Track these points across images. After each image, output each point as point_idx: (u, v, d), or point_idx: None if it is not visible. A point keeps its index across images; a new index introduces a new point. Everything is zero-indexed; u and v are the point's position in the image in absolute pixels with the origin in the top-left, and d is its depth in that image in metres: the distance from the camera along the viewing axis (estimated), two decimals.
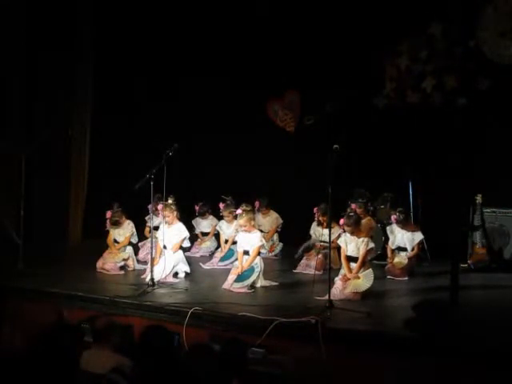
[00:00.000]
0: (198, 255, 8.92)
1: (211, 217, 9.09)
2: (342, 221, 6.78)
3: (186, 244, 8.11)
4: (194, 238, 8.96)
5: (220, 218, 8.68)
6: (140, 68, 10.06)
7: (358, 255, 6.65)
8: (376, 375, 5.06)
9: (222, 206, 8.56)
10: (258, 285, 6.93)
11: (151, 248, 7.05)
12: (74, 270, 7.73)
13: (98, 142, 10.31)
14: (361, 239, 6.70)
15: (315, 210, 8.11)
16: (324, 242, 7.62)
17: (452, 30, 8.51)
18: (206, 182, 9.73)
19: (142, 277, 7.26)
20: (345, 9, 8.87)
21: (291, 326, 5.45)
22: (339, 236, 7.15)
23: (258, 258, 6.94)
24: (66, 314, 6.35)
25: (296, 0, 9.22)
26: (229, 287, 6.79)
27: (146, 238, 8.72)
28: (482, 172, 8.37)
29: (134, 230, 8.04)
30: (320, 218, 8.06)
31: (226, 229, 8.57)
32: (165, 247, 7.42)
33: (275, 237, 9.06)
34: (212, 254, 8.80)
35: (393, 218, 7.79)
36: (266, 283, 7.02)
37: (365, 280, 6.52)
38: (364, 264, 6.63)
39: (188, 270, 7.51)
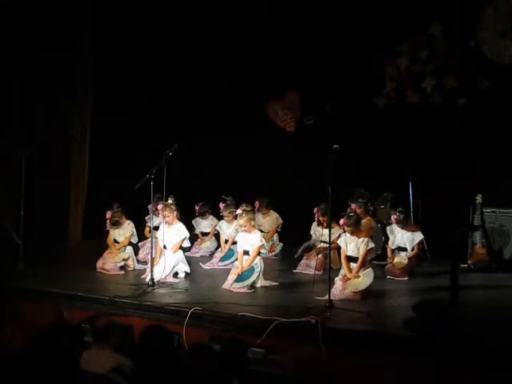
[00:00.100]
0: (198, 255, 8.92)
1: (211, 217, 9.09)
2: (342, 221, 6.78)
3: (186, 244, 8.11)
4: (194, 238, 8.95)
5: (220, 218, 8.68)
6: (140, 68, 10.06)
7: (358, 255, 6.65)
8: (376, 375, 5.06)
9: (222, 206, 8.56)
10: (258, 285, 6.93)
11: (151, 248, 7.05)
12: (74, 270, 7.73)
13: (98, 142, 10.30)
14: (361, 239, 6.70)
15: (315, 210, 8.11)
16: (324, 242, 7.62)
17: (452, 30, 8.51)
18: (206, 182, 9.73)
19: (142, 277, 7.26)
20: (345, 9, 8.87)
21: (291, 325, 5.45)
22: (339, 236, 7.15)
23: (258, 258, 6.94)
24: (65, 314, 6.34)
25: (296, 0, 9.22)
26: (229, 287, 6.78)
27: (146, 238, 8.72)
28: (482, 172, 8.37)
29: (134, 230, 8.04)
30: (320, 218, 8.06)
31: (226, 229, 8.57)
32: (165, 247, 7.42)
33: (275, 237, 9.06)
34: (212, 254, 8.80)
35: (393, 218, 7.79)
36: (266, 283, 7.02)
37: (365, 278, 6.53)
38: (364, 264, 6.62)
39: (188, 270, 7.51)
